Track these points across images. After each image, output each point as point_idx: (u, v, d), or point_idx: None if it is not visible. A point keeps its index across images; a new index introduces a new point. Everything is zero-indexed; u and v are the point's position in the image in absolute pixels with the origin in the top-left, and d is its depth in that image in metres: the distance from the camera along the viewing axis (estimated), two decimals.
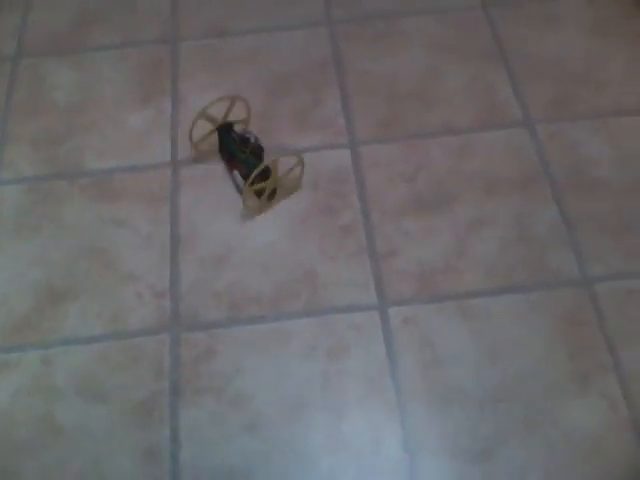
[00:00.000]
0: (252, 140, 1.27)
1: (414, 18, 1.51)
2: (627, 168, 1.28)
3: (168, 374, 1.09)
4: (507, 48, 1.45)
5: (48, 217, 1.26)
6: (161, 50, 1.50)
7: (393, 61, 1.43)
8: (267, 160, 1.22)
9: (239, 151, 1.27)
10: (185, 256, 1.20)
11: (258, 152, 1.27)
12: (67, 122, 1.39)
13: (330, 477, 1.00)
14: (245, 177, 1.23)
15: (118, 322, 1.14)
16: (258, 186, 1.22)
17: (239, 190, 1.25)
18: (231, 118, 1.31)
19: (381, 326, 1.12)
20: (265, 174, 1.22)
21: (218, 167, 1.31)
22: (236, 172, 1.27)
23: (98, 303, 1.16)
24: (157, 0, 1.59)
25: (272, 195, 1.25)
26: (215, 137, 1.31)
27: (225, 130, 1.30)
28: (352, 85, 1.41)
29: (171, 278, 1.18)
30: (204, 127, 1.31)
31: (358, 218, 1.23)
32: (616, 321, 1.11)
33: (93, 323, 1.14)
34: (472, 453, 1.00)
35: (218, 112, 1.30)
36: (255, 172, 1.20)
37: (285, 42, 1.50)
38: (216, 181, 1.30)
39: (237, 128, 1.31)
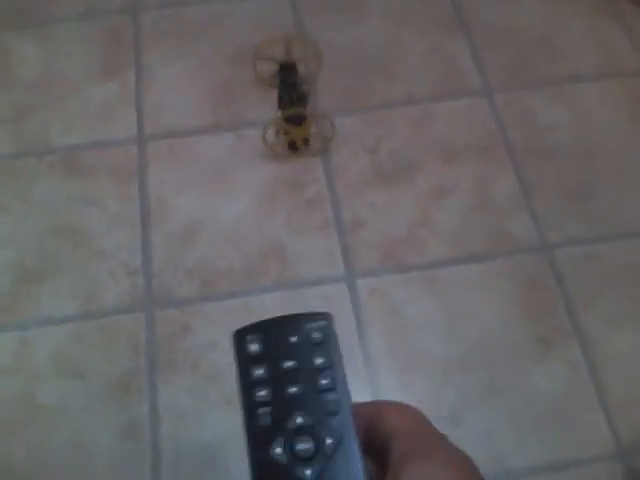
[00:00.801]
0: (302, 88, 1.30)
1: None
2: (583, 134, 1.31)
3: (144, 351, 1.12)
4: (467, 17, 1.46)
5: (18, 196, 1.27)
6: (124, 21, 1.49)
7: (355, 32, 1.44)
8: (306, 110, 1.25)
9: (286, 92, 1.29)
10: (155, 234, 1.22)
11: (302, 100, 1.29)
12: (33, 97, 1.39)
13: None
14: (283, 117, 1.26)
15: (93, 301, 1.16)
16: (289, 131, 1.26)
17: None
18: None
19: (349, 297, 1.15)
20: (299, 122, 1.25)
21: (184, 141, 1.32)
22: (279, 111, 1.29)
23: (72, 283, 1.18)
24: None
25: (301, 145, 1.27)
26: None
27: (285, 68, 1.33)
28: None
29: (143, 256, 1.20)
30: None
31: (324, 191, 1.26)
32: (575, 286, 1.15)
33: (68, 303, 1.16)
34: (440, 419, 1.04)
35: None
36: (286, 113, 1.24)
37: (248, 12, 1.49)
38: (182, 155, 1.31)
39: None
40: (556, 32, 1.44)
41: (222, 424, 1.05)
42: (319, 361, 0.42)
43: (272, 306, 1.14)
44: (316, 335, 0.42)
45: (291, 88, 1.30)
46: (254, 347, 0.42)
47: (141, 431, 1.06)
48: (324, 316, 0.42)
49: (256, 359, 0.41)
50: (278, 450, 0.39)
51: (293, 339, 0.42)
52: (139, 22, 1.49)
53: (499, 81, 1.38)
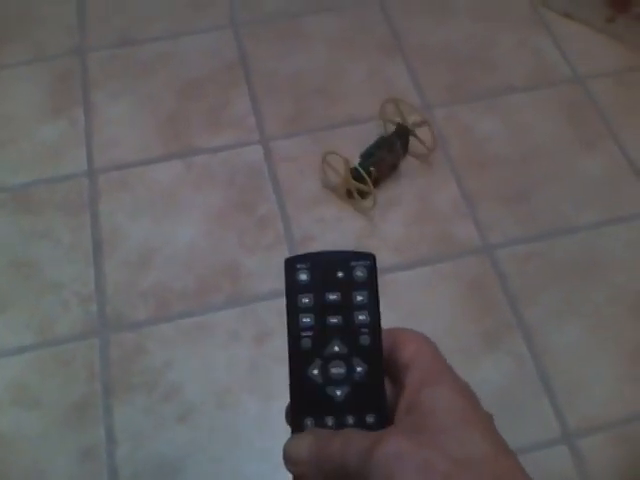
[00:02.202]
0: (395, 152, 1.30)
1: (315, 17, 1.56)
2: (518, 142, 1.36)
3: (99, 375, 1.12)
4: (403, 40, 1.50)
5: None
6: (71, 63, 1.52)
7: (298, 59, 1.48)
8: (368, 170, 1.24)
9: (379, 146, 1.29)
10: (108, 261, 1.23)
11: (386, 163, 1.29)
12: None
13: (262, 458, 1.04)
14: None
15: (47, 331, 1.16)
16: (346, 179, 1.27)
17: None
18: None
19: None
20: (368, 176, 1.24)
21: (134, 171, 1.34)
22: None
23: (26, 314, 1.18)
24: (63, 13, 1.60)
25: (357, 195, 1.27)
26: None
27: (400, 128, 1.33)
28: (260, 84, 1.46)
29: (96, 283, 1.21)
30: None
31: (274, 210, 1.28)
32: (517, 283, 1.19)
33: (22, 334, 1.16)
34: None
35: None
36: (356, 166, 1.25)
37: (193, 47, 1.53)
38: (133, 185, 1.33)
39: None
40: (488, 47, 1.49)
41: (178, 441, 1.06)
42: (359, 298, 0.47)
43: (226, 322, 1.15)
44: (360, 273, 0.47)
45: (389, 148, 1.30)
46: (303, 276, 0.46)
47: (98, 454, 1.06)
48: (369, 256, 0.47)
49: (304, 288, 0.46)
50: (315, 371, 0.45)
51: (339, 274, 0.46)
52: (86, 63, 1.52)
53: (437, 98, 1.42)
